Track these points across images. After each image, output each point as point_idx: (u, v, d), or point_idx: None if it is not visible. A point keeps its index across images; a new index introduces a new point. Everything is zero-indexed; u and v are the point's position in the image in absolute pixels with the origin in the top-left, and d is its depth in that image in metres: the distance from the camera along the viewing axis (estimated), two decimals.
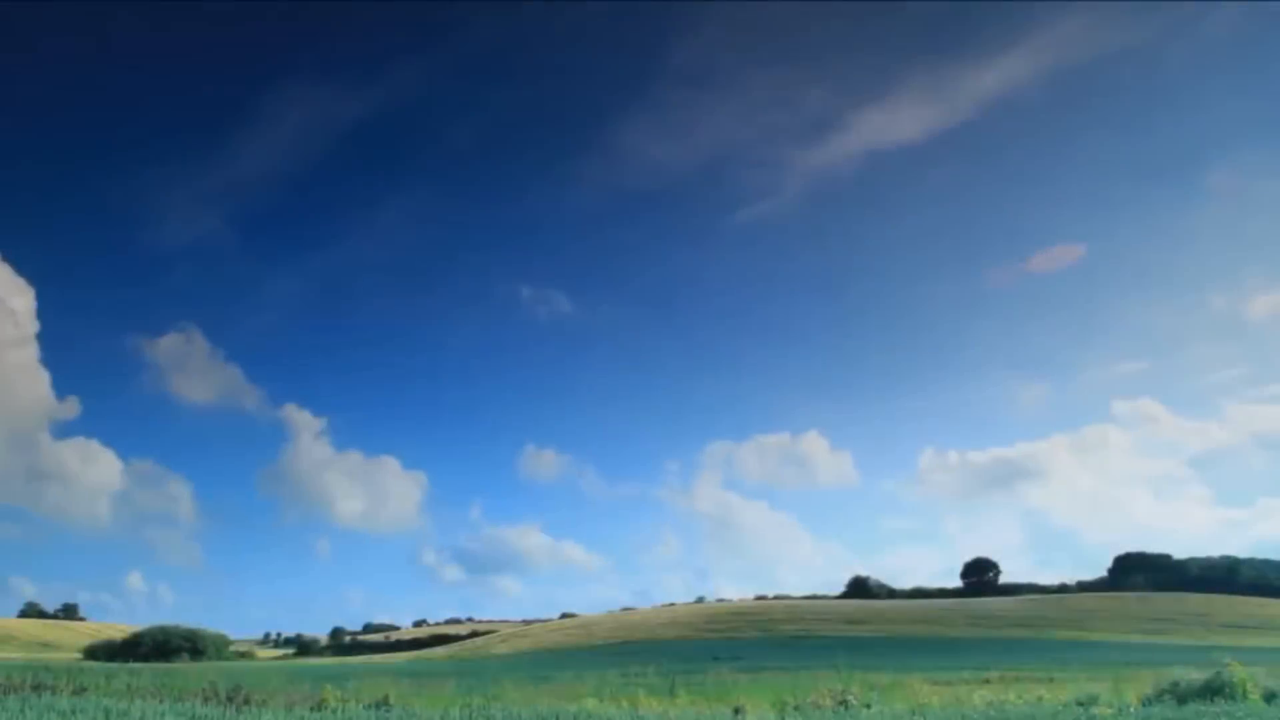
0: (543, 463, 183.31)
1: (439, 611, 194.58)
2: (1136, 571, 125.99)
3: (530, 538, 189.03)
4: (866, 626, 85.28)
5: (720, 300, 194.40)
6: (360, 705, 15.72)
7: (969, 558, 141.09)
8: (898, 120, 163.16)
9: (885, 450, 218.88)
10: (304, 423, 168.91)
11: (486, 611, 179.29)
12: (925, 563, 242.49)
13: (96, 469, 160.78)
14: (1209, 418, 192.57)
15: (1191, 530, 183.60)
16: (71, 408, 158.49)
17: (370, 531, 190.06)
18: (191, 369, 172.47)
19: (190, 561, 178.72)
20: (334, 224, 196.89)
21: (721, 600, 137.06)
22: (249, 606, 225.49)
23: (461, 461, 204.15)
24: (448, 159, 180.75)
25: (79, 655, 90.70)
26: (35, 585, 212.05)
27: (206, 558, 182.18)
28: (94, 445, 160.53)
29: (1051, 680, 25.96)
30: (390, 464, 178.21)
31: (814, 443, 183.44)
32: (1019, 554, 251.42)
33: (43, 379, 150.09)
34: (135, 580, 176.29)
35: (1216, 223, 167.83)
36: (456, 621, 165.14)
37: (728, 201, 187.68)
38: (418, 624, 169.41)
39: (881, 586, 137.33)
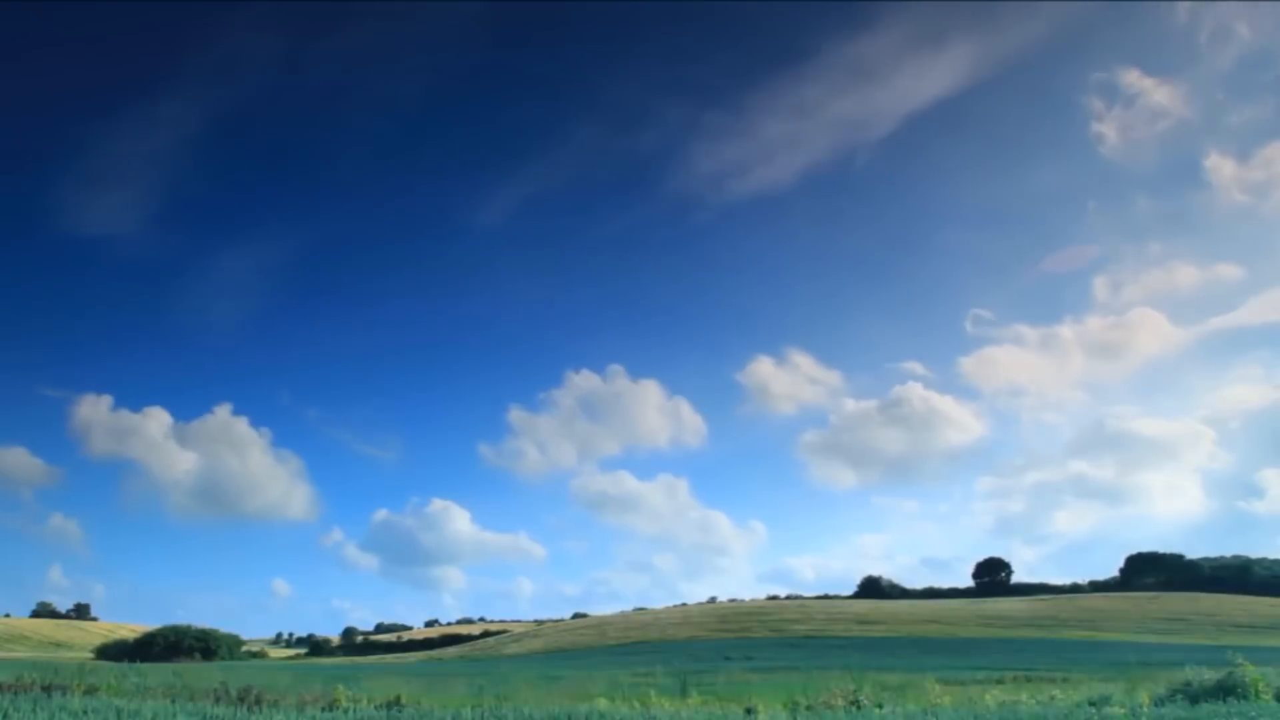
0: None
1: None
2: (1148, 571, 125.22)
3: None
4: (878, 627, 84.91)
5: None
6: (372, 705, 15.75)
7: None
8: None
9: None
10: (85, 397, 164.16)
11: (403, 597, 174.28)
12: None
13: None
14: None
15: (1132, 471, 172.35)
16: None
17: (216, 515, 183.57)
18: None
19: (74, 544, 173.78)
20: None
21: (733, 600, 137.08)
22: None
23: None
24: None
25: (91, 655, 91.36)
26: None
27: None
28: None
29: (1064, 680, 25.80)
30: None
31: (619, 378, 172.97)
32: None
33: None
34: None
35: None
36: (468, 621, 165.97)
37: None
38: (429, 624, 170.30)
39: (894, 586, 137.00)
